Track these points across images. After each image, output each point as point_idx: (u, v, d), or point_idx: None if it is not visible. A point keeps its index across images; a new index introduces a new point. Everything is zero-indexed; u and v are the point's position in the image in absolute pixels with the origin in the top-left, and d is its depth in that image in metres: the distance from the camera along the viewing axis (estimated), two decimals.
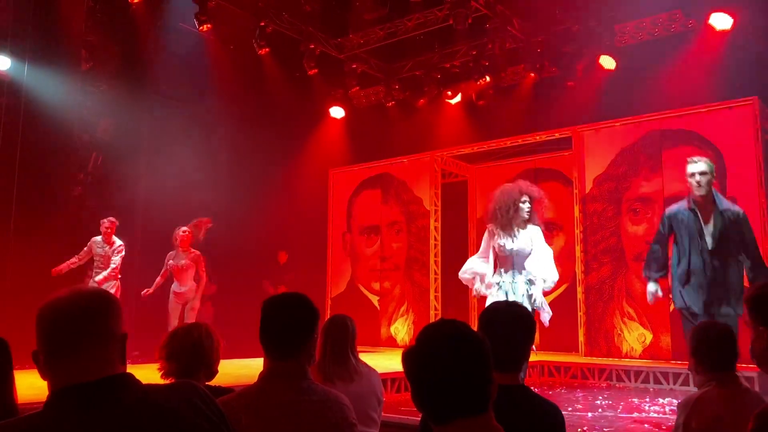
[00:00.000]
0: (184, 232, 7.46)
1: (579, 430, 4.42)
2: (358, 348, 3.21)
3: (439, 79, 10.44)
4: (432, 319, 7.88)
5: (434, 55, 10.51)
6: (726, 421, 2.29)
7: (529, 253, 5.30)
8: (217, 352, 2.50)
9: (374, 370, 3.24)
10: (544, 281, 5.15)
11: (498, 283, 5.24)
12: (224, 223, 9.60)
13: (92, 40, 8.69)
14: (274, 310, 2.06)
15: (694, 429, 2.37)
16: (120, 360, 1.27)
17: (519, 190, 5.35)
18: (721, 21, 8.05)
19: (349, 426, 1.98)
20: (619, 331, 8.05)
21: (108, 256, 7.25)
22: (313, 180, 11.42)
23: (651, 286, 5.03)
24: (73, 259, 7.17)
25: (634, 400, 5.99)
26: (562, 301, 8.45)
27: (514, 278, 5.23)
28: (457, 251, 10.34)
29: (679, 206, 4.93)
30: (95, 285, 6.96)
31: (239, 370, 6.07)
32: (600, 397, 6.10)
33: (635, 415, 5.19)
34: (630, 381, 7.16)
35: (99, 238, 7.28)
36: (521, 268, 5.27)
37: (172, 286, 7.46)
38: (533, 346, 2.16)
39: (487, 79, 9.61)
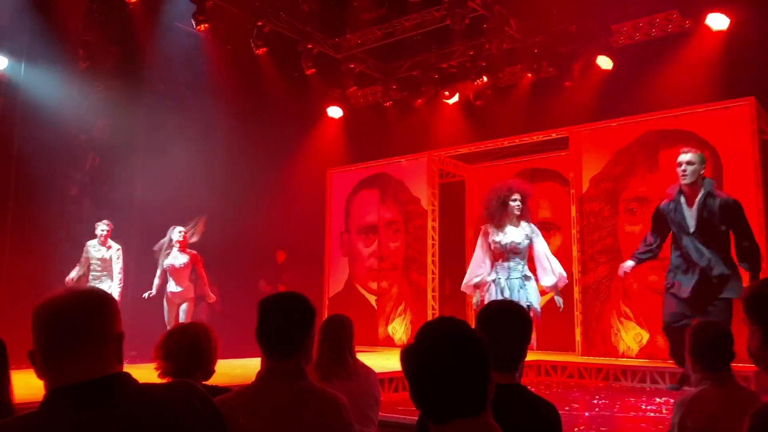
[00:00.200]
0: (181, 233, 7.44)
1: (576, 429, 4.43)
2: (356, 348, 3.22)
3: (436, 79, 10.44)
4: (429, 319, 7.88)
5: (432, 55, 10.52)
6: (722, 420, 2.30)
7: (524, 249, 5.35)
8: (214, 351, 2.50)
9: (372, 369, 3.24)
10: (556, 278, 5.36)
11: (494, 281, 5.27)
12: (222, 222, 9.60)
13: (89, 40, 8.66)
14: (271, 309, 2.06)
15: (689, 428, 2.37)
16: (117, 359, 1.27)
17: (509, 187, 5.41)
18: (718, 21, 8.06)
19: (346, 426, 1.98)
20: (615, 331, 8.06)
21: (105, 259, 7.25)
22: (310, 180, 11.42)
23: (627, 262, 5.32)
24: (79, 271, 7.16)
25: (630, 399, 6.00)
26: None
27: (509, 275, 5.26)
28: (455, 251, 10.37)
29: (666, 200, 5.29)
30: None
31: (236, 369, 6.06)
32: (597, 397, 6.11)
33: (632, 414, 5.20)
34: (627, 380, 7.17)
35: (95, 241, 7.28)
36: (516, 264, 5.31)
37: (168, 285, 7.43)
38: (531, 345, 2.17)
39: (485, 79, 9.62)
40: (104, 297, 1.31)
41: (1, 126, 7.38)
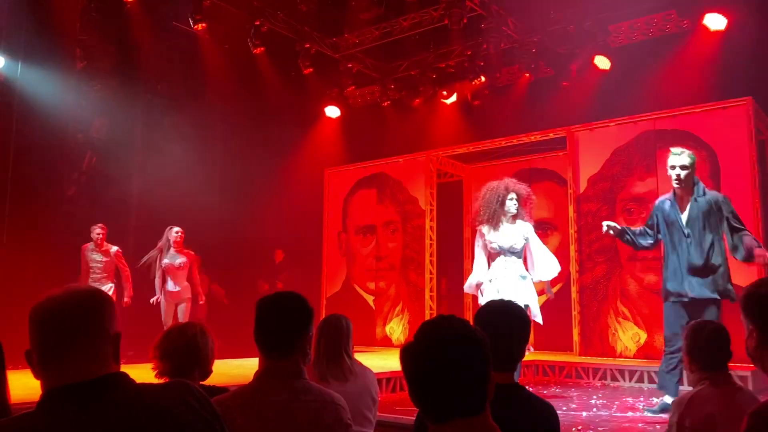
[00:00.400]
0: (177, 233, 7.43)
1: (573, 429, 4.43)
2: (354, 347, 3.21)
3: (434, 79, 10.44)
4: (427, 319, 7.88)
5: (429, 55, 10.52)
6: (719, 420, 2.30)
7: (521, 248, 5.35)
8: (211, 351, 2.50)
9: (369, 369, 3.24)
10: (549, 274, 5.37)
11: (490, 280, 5.27)
12: (219, 222, 9.59)
13: (86, 39, 8.65)
14: (268, 309, 2.06)
15: (687, 428, 2.37)
16: (114, 359, 1.27)
17: (505, 186, 5.42)
18: (715, 21, 8.07)
19: (344, 426, 1.98)
20: (613, 331, 8.07)
21: (104, 261, 7.29)
22: (308, 179, 11.41)
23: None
24: (90, 279, 7.19)
25: (628, 399, 6.00)
26: (556, 301, 8.43)
27: (506, 275, 5.27)
28: (453, 251, 10.37)
29: (665, 197, 5.25)
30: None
31: (234, 369, 6.05)
32: (594, 397, 6.11)
33: (629, 414, 5.21)
34: (624, 380, 7.18)
35: (91, 245, 7.31)
36: (513, 263, 5.32)
37: (166, 285, 7.43)
38: (529, 345, 2.17)
39: (482, 79, 9.63)
40: (101, 297, 1.31)
41: None
